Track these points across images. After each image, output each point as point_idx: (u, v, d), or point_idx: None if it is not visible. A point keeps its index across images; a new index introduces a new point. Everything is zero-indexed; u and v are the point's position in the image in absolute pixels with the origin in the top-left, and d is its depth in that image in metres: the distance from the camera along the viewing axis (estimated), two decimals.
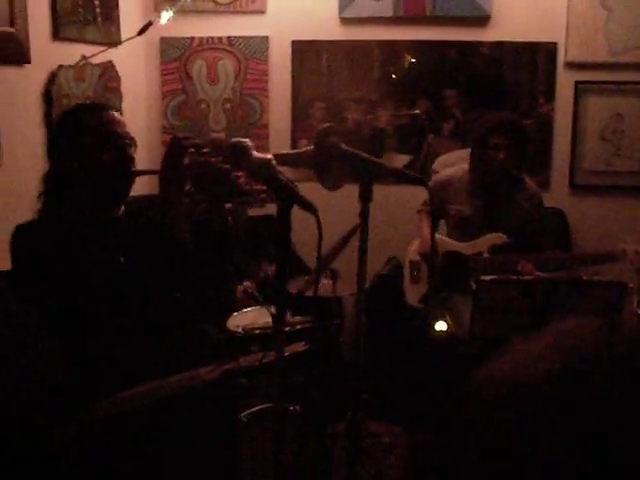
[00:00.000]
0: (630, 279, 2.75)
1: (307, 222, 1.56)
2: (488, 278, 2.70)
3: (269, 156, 1.58)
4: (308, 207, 1.47)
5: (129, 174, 2.04)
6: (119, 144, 2.04)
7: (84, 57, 3.55)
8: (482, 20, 3.99)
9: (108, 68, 3.79)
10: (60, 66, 3.34)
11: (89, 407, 1.75)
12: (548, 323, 2.71)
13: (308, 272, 3.46)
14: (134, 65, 4.13)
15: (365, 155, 1.72)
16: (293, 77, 4.18)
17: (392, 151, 4.26)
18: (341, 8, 4.04)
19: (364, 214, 1.63)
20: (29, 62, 3.13)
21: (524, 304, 2.67)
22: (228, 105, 4.22)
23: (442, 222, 3.47)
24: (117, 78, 3.87)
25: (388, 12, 4.01)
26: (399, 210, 3.94)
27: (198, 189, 1.92)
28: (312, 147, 1.70)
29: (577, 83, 4.00)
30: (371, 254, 3.62)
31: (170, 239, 1.91)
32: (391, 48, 4.10)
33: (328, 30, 4.09)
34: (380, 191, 1.75)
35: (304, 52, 4.16)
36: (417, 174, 1.66)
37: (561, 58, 3.99)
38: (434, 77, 4.12)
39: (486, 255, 3.24)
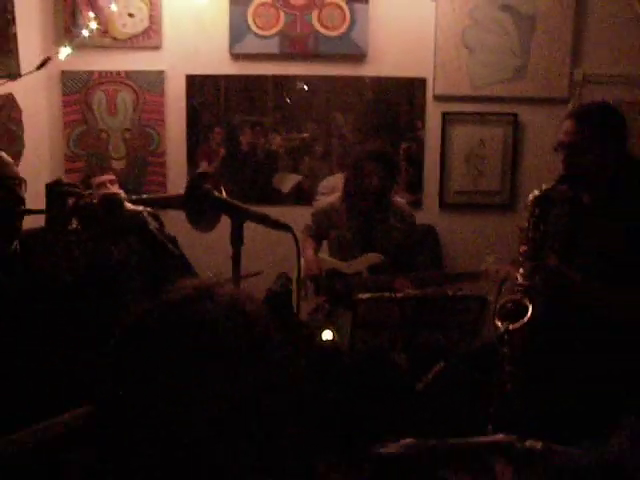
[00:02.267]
0: (490, 294, 2.76)
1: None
2: (364, 296, 2.67)
3: (140, 208, 1.48)
4: (175, 257, 1.38)
5: (18, 213, 1.90)
6: (8, 185, 1.89)
7: None
8: (360, 57, 3.95)
9: (8, 100, 3.56)
10: None
11: None
12: (418, 335, 2.72)
13: None
14: (36, 97, 3.90)
15: (235, 202, 1.62)
16: (187, 108, 4.03)
17: (285, 171, 4.18)
18: (231, 44, 3.92)
19: (236, 258, 1.52)
20: None
21: (397, 319, 2.65)
22: (127, 135, 4.05)
23: (324, 242, 3.44)
24: (18, 109, 3.64)
25: (275, 49, 3.92)
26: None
27: (84, 228, 1.80)
28: (182, 192, 1.60)
29: (444, 114, 4.02)
30: (265, 268, 3.59)
31: (50, 275, 1.78)
32: (285, 78, 4.02)
33: (219, 65, 3.98)
34: (271, 212, 1.66)
35: (200, 84, 4.03)
36: (281, 221, 1.56)
37: (430, 92, 4.01)
38: (324, 103, 4.06)
39: (365, 273, 3.22)
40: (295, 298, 3.30)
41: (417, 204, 4.06)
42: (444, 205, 4.12)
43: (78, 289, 1.82)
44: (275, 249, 3.72)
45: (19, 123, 3.65)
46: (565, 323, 2.38)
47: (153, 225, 1.56)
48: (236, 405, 0.83)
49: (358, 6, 3.87)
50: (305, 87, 4.04)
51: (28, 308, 1.83)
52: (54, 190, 1.77)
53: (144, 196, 1.71)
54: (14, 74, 3.58)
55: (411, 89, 4.03)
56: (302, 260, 3.43)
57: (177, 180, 4.02)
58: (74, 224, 1.75)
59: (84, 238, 1.88)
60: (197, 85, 4.04)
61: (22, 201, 1.91)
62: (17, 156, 3.63)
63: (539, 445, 1.44)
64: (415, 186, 4.10)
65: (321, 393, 3.26)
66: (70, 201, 1.78)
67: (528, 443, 1.46)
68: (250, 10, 3.88)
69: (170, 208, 1.78)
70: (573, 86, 3.94)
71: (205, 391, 0.82)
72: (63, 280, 1.78)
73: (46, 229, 1.78)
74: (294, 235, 1.55)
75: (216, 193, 1.59)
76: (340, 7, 3.87)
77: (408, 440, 1.51)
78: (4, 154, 2.01)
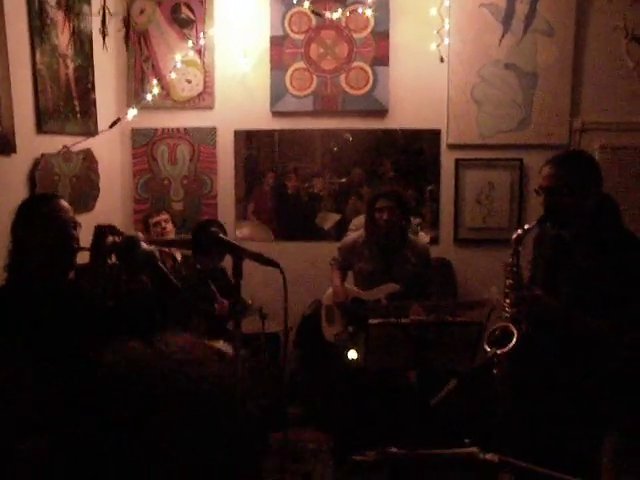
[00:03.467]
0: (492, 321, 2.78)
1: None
2: (375, 321, 2.73)
3: (152, 247, 1.61)
4: (178, 292, 1.50)
5: (72, 251, 2.07)
6: (66, 227, 2.08)
7: (65, 147, 3.57)
8: (382, 112, 4.06)
9: (87, 154, 3.81)
10: (43, 155, 3.35)
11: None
12: (424, 357, 2.75)
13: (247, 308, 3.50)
14: (110, 150, 4.15)
15: (234, 242, 1.75)
16: (236, 158, 4.20)
17: (328, 210, 4.29)
18: (272, 104, 4.09)
19: (236, 288, 1.64)
20: (15, 152, 3.14)
21: (403, 342, 2.70)
22: (185, 181, 4.24)
23: (350, 273, 3.52)
24: (95, 161, 3.89)
25: (308, 107, 4.07)
26: (319, 260, 3.95)
27: (120, 262, 1.95)
28: (189, 235, 1.73)
29: (457, 160, 4.07)
30: (298, 296, 3.70)
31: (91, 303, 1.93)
32: (329, 131, 4.13)
33: (262, 121, 4.13)
34: (313, 246, 1.78)
35: (245, 138, 4.18)
36: (271, 259, 1.67)
37: (444, 141, 4.07)
38: (367, 151, 4.13)
39: (384, 301, 3.28)
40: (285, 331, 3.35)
41: (434, 240, 4.11)
42: (458, 240, 4.15)
43: (119, 312, 1.96)
44: (308, 277, 3.84)
45: (96, 172, 3.89)
46: (547, 346, 2.41)
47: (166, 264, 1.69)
48: None
49: (380, 69, 3.99)
50: (350, 138, 4.13)
51: (80, 327, 1.97)
52: (97, 231, 1.94)
53: (156, 238, 1.84)
54: (93, 132, 3.84)
55: (427, 139, 4.09)
56: (330, 288, 3.53)
57: (226, 218, 4.17)
58: (113, 259, 1.90)
59: (120, 270, 2.02)
60: (248, 136, 4.18)
61: (77, 240, 2.09)
62: (94, 199, 3.87)
63: (496, 458, 1.49)
64: (431, 225, 4.16)
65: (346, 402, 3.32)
66: (109, 240, 1.94)
67: (488, 456, 1.50)
68: (287, 74, 4.04)
69: (180, 248, 1.92)
70: (572, 133, 3.95)
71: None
72: (107, 305, 1.93)
73: (90, 263, 1.94)
74: (282, 271, 1.65)
75: (221, 235, 1.72)
76: (364, 70, 4.00)
77: (385, 449, 1.58)
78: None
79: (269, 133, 4.16)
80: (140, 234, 1.76)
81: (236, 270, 1.62)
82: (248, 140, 4.19)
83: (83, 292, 1.97)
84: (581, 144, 3.90)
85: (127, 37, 4.07)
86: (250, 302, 3.53)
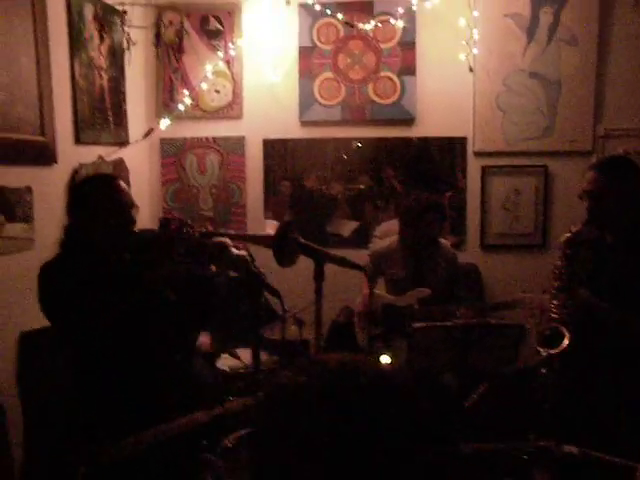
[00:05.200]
0: (526, 322, 2.82)
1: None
2: (419, 325, 2.75)
3: (244, 252, 1.64)
4: (273, 292, 1.52)
5: (130, 232, 2.08)
6: (124, 209, 2.09)
7: (100, 156, 3.60)
8: (409, 121, 4.09)
9: (119, 164, 3.83)
10: (80, 164, 3.38)
11: (99, 449, 1.73)
12: (466, 359, 2.77)
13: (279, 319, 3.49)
14: (140, 160, 4.17)
15: (317, 247, 1.77)
16: (264, 167, 4.22)
17: (345, 218, 4.30)
18: (301, 113, 4.12)
19: (318, 291, 1.67)
20: (56, 162, 3.17)
21: (447, 344, 2.72)
22: (214, 190, 4.26)
23: (381, 279, 3.53)
24: (126, 170, 3.91)
25: (337, 117, 4.10)
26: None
27: (184, 254, 1.95)
28: (272, 234, 1.75)
29: (483, 167, 4.10)
30: (326, 303, 3.69)
31: (154, 293, 1.93)
32: (343, 139, 4.16)
33: (291, 130, 4.16)
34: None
35: (274, 147, 4.21)
36: (355, 262, 1.70)
37: (470, 149, 4.09)
38: (375, 159, 4.16)
39: (415, 306, 3.30)
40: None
41: (461, 245, 4.13)
42: (484, 246, 4.17)
43: (180, 305, 1.96)
44: (338, 284, 3.83)
45: (127, 182, 3.91)
46: (594, 346, 2.43)
47: (254, 265, 1.71)
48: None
49: (407, 78, 4.02)
50: (359, 144, 4.15)
51: (137, 315, 1.96)
52: (163, 221, 1.95)
53: (240, 233, 1.86)
54: (125, 142, 3.87)
55: (454, 147, 4.13)
56: (360, 296, 3.54)
57: (255, 226, 4.19)
58: (180, 250, 1.90)
59: (186, 262, 2.02)
60: (269, 147, 4.21)
61: (134, 222, 2.09)
62: None
63: (575, 450, 1.51)
64: (457, 229, 4.17)
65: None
66: (173, 228, 1.94)
67: (566, 448, 1.53)
68: (316, 84, 4.07)
69: (261, 244, 1.93)
70: (596, 140, 3.98)
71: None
72: (168, 297, 1.93)
73: (154, 250, 1.94)
74: (366, 274, 1.67)
75: (301, 239, 1.74)
76: (392, 79, 4.04)
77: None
78: (123, 184, 2.19)
79: (298, 142, 4.18)
80: (227, 239, 1.77)
81: (319, 274, 1.64)
82: (277, 150, 4.20)
83: (138, 274, 1.97)
84: (605, 150, 3.94)
85: (157, 49, 4.10)
86: (287, 309, 3.53)
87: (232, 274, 3.53)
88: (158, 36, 4.07)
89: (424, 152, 4.14)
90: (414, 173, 4.16)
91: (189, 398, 2.03)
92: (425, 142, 4.13)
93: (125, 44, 3.78)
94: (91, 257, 2.06)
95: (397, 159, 4.15)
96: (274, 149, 4.21)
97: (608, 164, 2.50)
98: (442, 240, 3.52)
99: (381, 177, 4.19)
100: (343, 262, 1.69)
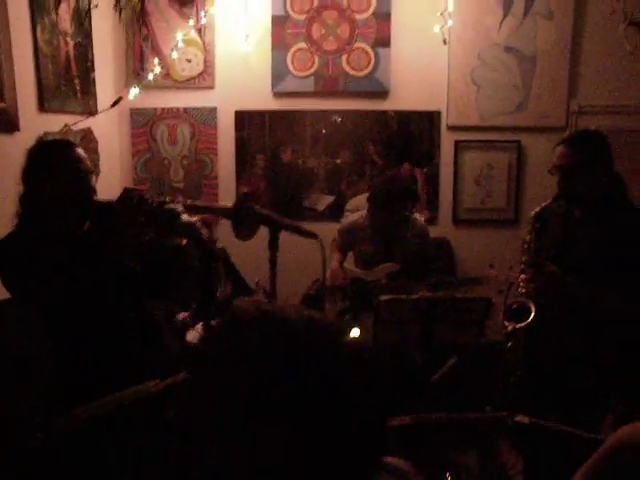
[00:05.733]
0: (494, 297, 2.80)
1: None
2: (385, 298, 2.73)
3: (194, 219, 1.59)
4: (224, 262, 1.48)
5: (91, 202, 2.01)
6: (82, 177, 2.01)
7: (67, 125, 3.49)
8: (383, 94, 4.04)
9: (87, 133, 3.74)
10: (45, 133, 3.27)
11: (58, 417, 1.70)
12: (432, 333, 2.76)
13: (251, 292, 3.45)
14: (109, 130, 4.07)
15: (273, 214, 1.74)
16: (236, 139, 4.15)
17: (320, 192, 4.27)
18: (273, 84, 4.04)
19: (273, 260, 1.64)
20: (18, 130, 3.06)
21: (413, 317, 2.71)
22: (185, 162, 4.19)
23: (350, 254, 3.51)
24: (95, 140, 3.81)
25: (310, 88, 4.03)
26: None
27: (147, 223, 1.91)
28: (230, 205, 1.71)
29: (456, 142, 4.07)
30: (298, 276, 3.67)
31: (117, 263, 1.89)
32: (322, 112, 4.10)
33: (263, 101, 4.08)
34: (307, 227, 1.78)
35: (246, 118, 4.14)
36: (310, 230, 1.68)
37: (444, 123, 4.07)
38: (355, 133, 4.12)
39: (384, 281, 3.28)
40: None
41: (433, 221, 4.12)
42: (457, 221, 4.16)
43: (142, 276, 1.92)
44: (308, 258, 3.80)
45: (96, 152, 3.82)
46: (561, 319, 2.44)
47: (204, 233, 1.67)
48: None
49: (381, 50, 3.96)
50: (339, 119, 4.11)
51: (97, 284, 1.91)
52: (127, 192, 1.89)
53: (198, 204, 1.82)
54: (93, 111, 3.76)
55: (430, 120, 4.08)
56: (328, 270, 3.51)
57: (227, 199, 4.13)
58: (141, 219, 1.85)
59: (147, 231, 1.96)
60: (244, 119, 4.15)
61: (93, 190, 2.02)
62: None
63: (526, 420, 1.51)
64: (433, 205, 4.17)
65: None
66: (135, 200, 1.88)
67: (518, 418, 1.53)
68: (289, 55, 4.00)
69: (220, 216, 1.89)
70: (570, 116, 3.98)
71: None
72: (132, 267, 1.88)
73: (117, 219, 1.89)
74: (321, 243, 1.65)
75: (257, 208, 1.70)
76: (366, 51, 3.97)
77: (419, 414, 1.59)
78: (81, 150, 2.10)
79: (272, 114, 4.11)
80: (180, 205, 1.72)
81: (273, 242, 1.61)
82: (249, 121, 4.14)
83: (99, 243, 1.91)
84: (578, 126, 3.92)
85: (119, 12, 3.94)
86: (256, 283, 3.50)
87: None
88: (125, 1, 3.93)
89: (403, 126, 4.10)
90: (395, 148, 4.12)
91: (156, 369, 2.00)
92: (402, 116, 4.08)
93: (86, 6, 3.63)
94: (50, 227, 2.00)
95: (377, 134, 4.11)
96: (249, 121, 4.14)
97: (578, 138, 2.47)
98: (413, 215, 3.50)
99: (362, 152, 4.14)
100: (297, 230, 1.66)
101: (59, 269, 1.89)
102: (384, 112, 4.08)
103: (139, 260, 2.02)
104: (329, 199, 4.28)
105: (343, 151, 4.15)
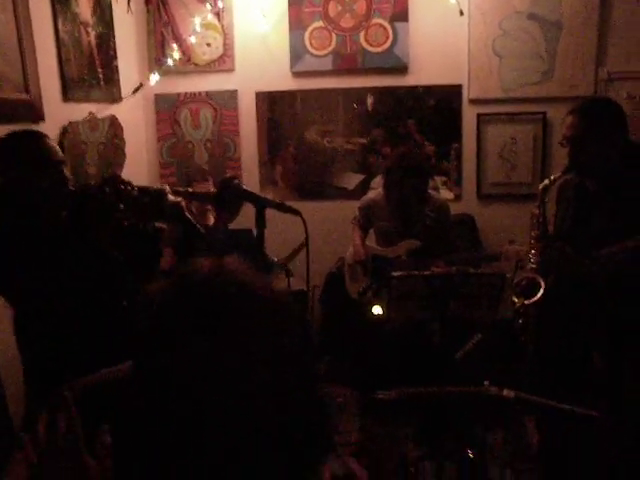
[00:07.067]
0: (510, 273, 2.75)
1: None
2: (397, 274, 2.72)
3: (179, 199, 1.62)
4: (204, 239, 1.50)
5: (66, 193, 1.99)
6: (56, 167, 1.98)
7: (91, 113, 3.58)
8: (402, 69, 3.97)
9: (113, 120, 3.82)
10: (70, 122, 3.36)
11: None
12: (447, 308, 2.73)
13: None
14: (134, 116, 4.16)
15: (257, 193, 1.75)
16: (258, 120, 4.16)
17: (350, 171, 4.24)
18: (292, 64, 4.04)
19: (259, 237, 1.65)
20: (43, 120, 3.16)
21: (426, 293, 2.69)
22: (209, 144, 4.24)
23: (371, 231, 3.50)
24: (120, 127, 3.90)
25: (329, 66, 4.00)
26: (344, 220, 3.90)
27: (127, 209, 1.90)
28: (214, 190, 1.73)
29: (479, 115, 3.98)
30: (324, 255, 3.68)
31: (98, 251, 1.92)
32: (351, 91, 4.06)
33: (283, 82, 4.09)
34: (328, 207, 1.78)
35: (267, 99, 4.14)
36: (292, 207, 1.68)
37: (465, 96, 3.98)
38: (389, 111, 4.06)
39: (404, 257, 3.27)
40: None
41: (457, 197, 4.06)
42: (481, 196, 4.09)
43: (122, 261, 1.91)
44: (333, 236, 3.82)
45: (121, 138, 3.91)
46: (569, 295, 2.38)
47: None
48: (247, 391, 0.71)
49: (399, 25, 3.89)
50: (356, 107, 4.06)
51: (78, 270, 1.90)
52: (106, 180, 1.89)
53: (181, 189, 1.82)
54: (117, 98, 3.84)
55: (452, 95, 3.99)
56: (351, 247, 3.52)
57: (251, 179, 4.17)
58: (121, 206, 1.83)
59: (126, 217, 1.95)
60: (269, 100, 4.15)
61: (66, 180, 1.98)
62: (121, 165, 3.90)
63: (512, 394, 1.49)
64: (455, 182, 4.09)
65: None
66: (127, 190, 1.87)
67: (505, 392, 1.51)
68: (306, 34, 3.98)
69: (204, 202, 1.91)
70: (598, 84, 3.82)
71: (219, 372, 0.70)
72: (112, 255, 1.88)
73: (97, 208, 1.89)
74: (303, 220, 1.65)
75: (243, 186, 1.71)
76: (383, 26, 3.91)
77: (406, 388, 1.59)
78: (50, 141, 2.05)
79: (291, 94, 4.11)
80: (167, 186, 1.75)
81: (259, 220, 1.62)
82: (271, 103, 4.14)
83: (76, 233, 1.91)
84: (607, 95, 3.76)
85: (147, 2, 4.02)
86: (276, 259, 3.53)
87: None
88: None
89: (438, 102, 4.01)
90: (432, 124, 4.05)
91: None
92: (431, 92, 3.99)
93: None
94: (26, 220, 1.96)
95: (413, 110, 4.03)
96: (272, 101, 4.14)
97: (587, 107, 2.38)
98: (432, 192, 3.46)
99: (395, 128, 4.08)
100: (281, 207, 1.67)
101: (40, 261, 1.88)
102: (414, 87, 4.00)
103: (118, 246, 2.00)
104: (359, 177, 4.26)
105: (375, 129, 4.11)
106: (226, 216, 1.68)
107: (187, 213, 1.65)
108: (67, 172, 1.97)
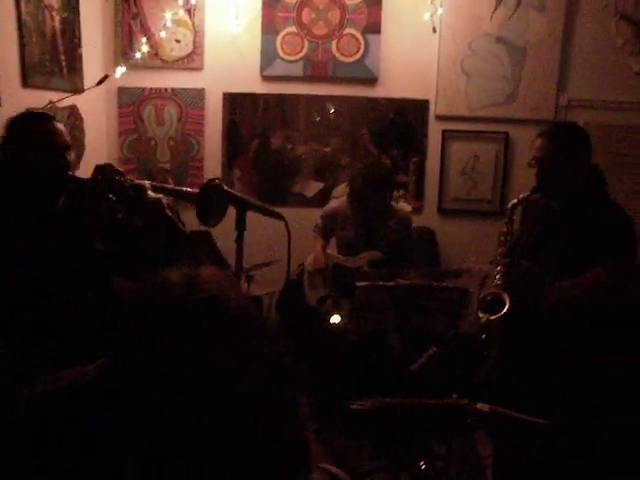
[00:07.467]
0: (473, 289, 2.78)
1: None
2: (362, 284, 2.72)
3: (160, 196, 1.56)
4: (185, 237, 1.45)
5: (66, 178, 1.95)
6: (59, 151, 1.95)
7: (51, 102, 3.44)
8: (372, 81, 3.99)
9: (73, 111, 3.69)
10: (28, 109, 3.21)
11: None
12: (409, 320, 2.74)
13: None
14: (96, 108, 4.02)
15: (240, 195, 1.72)
16: (224, 121, 4.10)
17: (310, 179, 4.23)
18: (262, 67, 4.00)
19: (239, 238, 1.61)
20: (0, 105, 3.02)
21: (389, 304, 2.69)
22: (172, 142, 4.14)
23: (332, 239, 3.49)
24: (81, 118, 3.76)
25: (299, 72, 3.99)
26: (303, 227, 3.88)
27: (118, 200, 1.86)
28: (197, 190, 1.68)
29: (444, 131, 4.04)
30: (283, 261, 3.62)
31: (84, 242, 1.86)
32: (314, 97, 4.05)
33: (252, 84, 4.04)
34: (286, 213, 1.75)
35: (235, 101, 4.08)
36: (275, 211, 1.65)
37: (432, 112, 4.03)
38: (348, 121, 4.07)
39: (365, 268, 3.27)
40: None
41: (418, 211, 4.09)
42: (442, 210, 4.14)
43: (104, 254, 1.86)
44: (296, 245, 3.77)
45: (81, 130, 3.78)
46: (534, 313, 2.42)
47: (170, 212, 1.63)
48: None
49: (371, 37, 3.92)
50: (332, 109, 4.06)
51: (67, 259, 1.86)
52: (99, 169, 1.84)
53: (164, 185, 1.78)
54: (79, 88, 3.71)
55: (418, 109, 4.03)
56: (312, 254, 3.50)
57: None
58: (112, 198, 1.79)
59: (117, 210, 1.91)
60: (232, 101, 4.10)
61: (69, 165, 1.96)
62: (79, 157, 3.76)
63: (487, 407, 1.50)
64: (419, 194, 4.13)
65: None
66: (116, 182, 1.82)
67: (479, 405, 1.52)
68: (279, 38, 3.95)
69: (184, 200, 1.85)
70: (558, 109, 3.95)
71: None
72: (96, 247, 1.83)
73: (87, 198, 1.83)
74: (286, 223, 1.62)
75: (225, 188, 1.67)
76: (355, 37, 3.92)
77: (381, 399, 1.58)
78: (59, 125, 2.03)
79: (254, 97, 4.06)
80: (147, 182, 1.69)
81: (240, 222, 1.58)
82: (232, 104, 4.09)
83: (73, 220, 1.86)
84: (567, 120, 3.88)
85: None
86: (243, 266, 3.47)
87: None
88: None
89: (397, 115, 4.05)
90: (389, 136, 4.08)
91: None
92: (393, 104, 4.03)
93: None
94: (23, 201, 1.95)
95: (372, 121, 4.06)
96: (240, 104, 4.09)
97: (557, 131, 2.45)
98: (395, 204, 3.48)
99: (354, 139, 4.10)
100: (263, 210, 1.64)
101: (32, 248, 1.84)
102: (375, 99, 4.03)
103: (109, 239, 1.97)
104: (318, 185, 4.25)
105: (334, 138, 4.11)
106: (211, 220, 1.62)
107: (168, 211, 1.59)
108: (70, 158, 1.90)
